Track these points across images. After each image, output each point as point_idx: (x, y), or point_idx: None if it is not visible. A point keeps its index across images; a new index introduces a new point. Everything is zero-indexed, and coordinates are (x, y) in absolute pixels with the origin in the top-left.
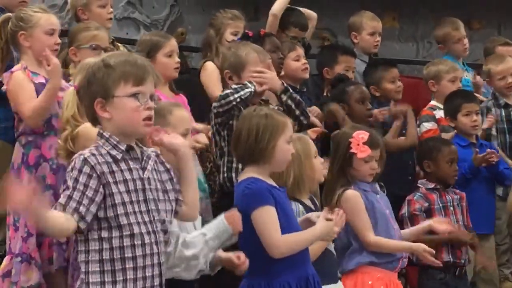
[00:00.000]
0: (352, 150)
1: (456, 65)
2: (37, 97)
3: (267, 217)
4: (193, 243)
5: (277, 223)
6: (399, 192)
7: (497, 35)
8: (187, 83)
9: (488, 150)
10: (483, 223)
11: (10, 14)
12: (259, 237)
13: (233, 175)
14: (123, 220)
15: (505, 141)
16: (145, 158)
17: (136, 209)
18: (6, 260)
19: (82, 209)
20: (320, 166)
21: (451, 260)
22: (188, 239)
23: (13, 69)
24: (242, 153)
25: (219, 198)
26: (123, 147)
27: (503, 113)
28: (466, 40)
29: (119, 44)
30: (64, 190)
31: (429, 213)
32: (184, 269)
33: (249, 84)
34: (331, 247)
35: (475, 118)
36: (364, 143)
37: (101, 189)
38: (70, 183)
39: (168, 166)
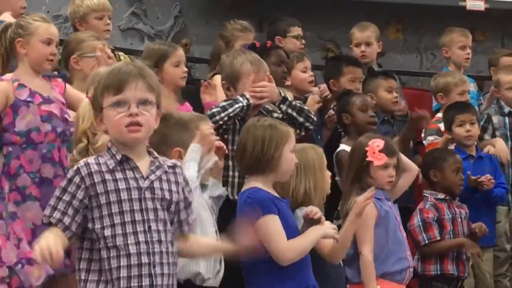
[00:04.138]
0: (368, 159)
1: (464, 78)
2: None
3: (272, 225)
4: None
5: (282, 231)
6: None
7: (500, 47)
8: (191, 93)
9: (483, 177)
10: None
11: (11, 21)
12: (266, 246)
13: (229, 189)
14: (107, 232)
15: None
16: (153, 168)
17: (127, 219)
18: None
19: (66, 219)
20: (329, 179)
21: (456, 273)
22: None
23: (3, 77)
24: (247, 164)
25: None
26: (118, 156)
27: (507, 120)
28: (469, 50)
29: (120, 54)
30: (50, 199)
31: (439, 222)
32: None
33: (240, 99)
34: None
35: (468, 128)
36: (380, 151)
37: (86, 201)
38: (57, 192)
39: (182, 178)
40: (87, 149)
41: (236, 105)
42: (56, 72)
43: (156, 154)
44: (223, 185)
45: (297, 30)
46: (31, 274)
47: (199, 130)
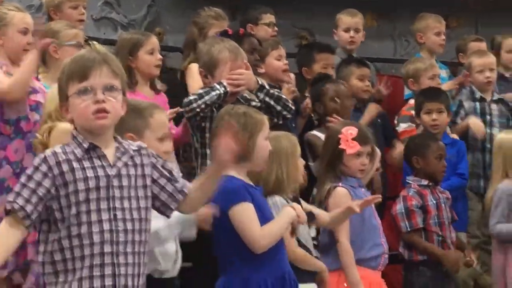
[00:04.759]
0: (341, 146)
1: (434, 62)
2: None
3: (246, 213)
4: (155, 221)
5: (256, 218)
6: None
7: (474, 34)
8: (166, 82)
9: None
10: (457, 221)
11: None
12: (240, 234)
13: None
14: (73, 220)
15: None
16: (118, 154)
17: (93, 208)
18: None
19: (28, 207)
20: (302, 168)
21: None
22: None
23: None
24: None
25: None
26: (85, 145)
27: (478, 106)
28: (444, 37)
29: (95, 43)
30: (15, 185)
31: (423, 209)
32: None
33: (217, 86)
34: (309, 245)
35: (434, 117)
36: (353, 139)
37: (53, 190)
38: (22, 179)
39: (148, 159)
40: (49, 131)
41: (213, 93)
42: None
43: (120, 139)
44: (201, 173)
45: (269, 18)
46: None
47: (152, 118)
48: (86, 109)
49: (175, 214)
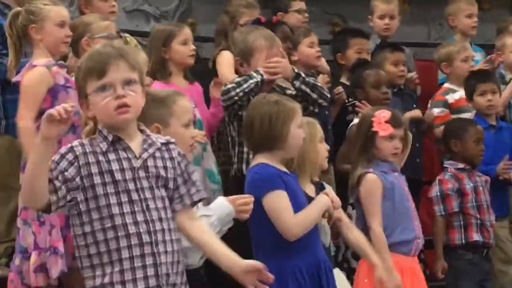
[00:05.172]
0: (374, 129)
1: (466, 44)
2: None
3: (279, 201)
4: None
5: (289, 206)
6: (410, 176)
7: (508, 15)
8: (198, 73)
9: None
10: (497, 206)
11: (19, 8)
12: (273, 222)
13: (243, 166)
14: (105, 212)
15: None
16: (145, 146)
17: (123, 200)
18: (34, 256)
19: (57, 183)
20: (324, 152)
21: (481, 240)
22: None
23: (39, 63)
24: (255, 141)
25: (232, 188)
26: (110, 137)
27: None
28: (476, 19)
29: (126, 35)
30: None
31: (460, 192)
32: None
33: (254, 74)
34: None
35: (489, 98)
36: (386, 122)
37: (78, 180)
38: (49, 163)
39: (176, 154)
40: (93, 132)
41: (251, 81)
42: (62, 62)
43: (148, 131)
44: (238, 162)
45: (299, 4)
46: (54, 266)
47: (176, 105)
48: (108, 106)
49: (215, 212)
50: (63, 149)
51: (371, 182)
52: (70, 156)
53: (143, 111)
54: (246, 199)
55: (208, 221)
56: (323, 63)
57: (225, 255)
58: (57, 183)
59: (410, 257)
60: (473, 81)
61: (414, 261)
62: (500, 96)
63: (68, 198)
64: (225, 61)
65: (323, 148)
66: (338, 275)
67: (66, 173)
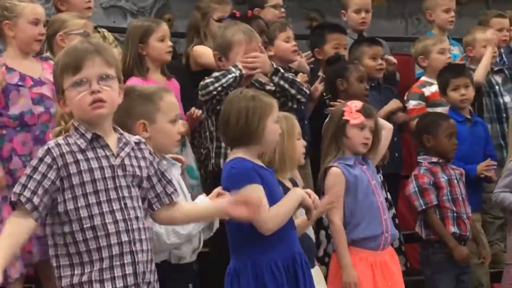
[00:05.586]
0: (345, 117)
1: (442, 37)
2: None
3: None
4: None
5: (265, 200)
6: (389, 170)
7: (485, 9)
8: (176, 69)
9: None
10: (470, 200)
11: None
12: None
13: (221, 160)
14: (84, 213)
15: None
16: (121, 144)
17: (102, 199)
18: None
19: (36, 199)
20: (302, 148)
21: (457, 232)
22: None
23: None
24: (232, 136)
25: (210, 183)
26: (89, 136)
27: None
28: (453, 13)
29: (104, 30)
30: (21, 177)
31: (436, 186)
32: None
33: (233, 69)
34: (309, 231)
35: (462, 92)
36: (357, 111)
37: (58, 182)
38: (28, 171)
39: (147, 153)
40: (66, 131)
41: (229, 76)
42: (48, 54)
43: (121, 130)
44: (216, 157)
45: (275, 0)
46: (13, 266)
47: (162, 101)
48: (83, 101)
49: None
50: (40, 152)
51: (334, 176)
52: (48, 159)
53: (129, 107)
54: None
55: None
56: (303, 63)
57: (209, 207)
58: (36, 200)
59: (380, 251)
60: (446, 75)
61: (385, 254)
62: (473, 90)
63: (49, 204)
64: (204, 52)
65: (300, 144)
66: (317, 273)
67: (45, 181)
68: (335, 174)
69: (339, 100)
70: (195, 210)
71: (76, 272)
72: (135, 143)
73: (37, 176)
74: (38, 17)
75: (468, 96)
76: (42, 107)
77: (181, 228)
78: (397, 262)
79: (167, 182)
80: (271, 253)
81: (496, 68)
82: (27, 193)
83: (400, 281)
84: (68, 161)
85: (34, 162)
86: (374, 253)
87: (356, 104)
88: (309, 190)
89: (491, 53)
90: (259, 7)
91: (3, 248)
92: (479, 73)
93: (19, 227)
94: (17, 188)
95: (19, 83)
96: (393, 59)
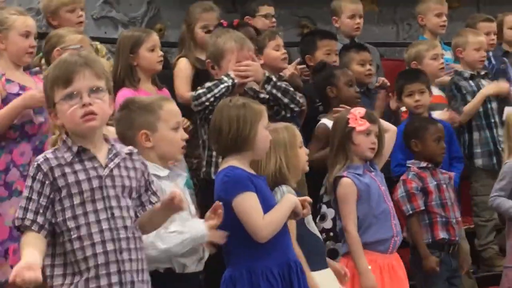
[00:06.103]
0: (351, 125)
1: (435, 42)
2: (2, 107)
3: (249, 203)
4: (168, 238)
5: (259, 208)
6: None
7: (476, 13)
8: (167, 78)
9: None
10: None
11: None
12: (243, 224)
13: (212, 169)
14: (71, 224)
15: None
16: (110, 155)
17: (88, 209)
18: None
19: (40, 219)
20: (305, 156)
21: (447, 237)
22: (165, 234)
23: None
24: (224, 145)
25: (202, 191)
26: (74, 149)
27: (473, 84)
28: (445, 18)
29: (96, 43)
30: (20, 201)
31: (424, 191)
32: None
33: (225, 79)
34: (316, 231)
35: (417, 98)
36: (362, 117)
37: (51, 196)
38: (25, 192)
39: (139, 164)
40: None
41: (222, 85)
42: (38, 68)
43: (112, 141)
44: (207, 165)
45: (266, 9)
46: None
47: (162, 110)
48: (74, 114)
49: (190, 231)
50: (31, 171)
51: (346, 187)
52: (39, 176)
53: (130, 119)
54: (216, 222)
55: (180, 237)
56: (296, 79)
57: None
58: (40, 219)
59: (388, 255)
60: (401, 81)
61: (392, 258)
62: (430, 95)
63: (48, 216)
64: (180, 73)
65: (303, 152)
66: (329, 275)
67: (42, 199)
68: (347, 184)
69: (342, 106)
70: (150, 212)
71: (66, 281)
72: (127, 154)
73: (35, 196)
74: (29, 30)
75: (423, 101)
76: (42, 117)
77: (160, 242)
78: (402, 267)
79: (152, 193)
80: (266, 260)
81: (483, 72)
82: (30, 216)
83: (406, 286)
84: (56, 175)
85: (28, 182)
86: (383, 256)
87: (360, 110)
88: (307, 198)
89: (480, 103)
90: (250, 15)
91: (32, 252)
92: (465, 115)
93: (36, 240)
94: (19, 213)
95: (20, 92)
96: (387, 82)
